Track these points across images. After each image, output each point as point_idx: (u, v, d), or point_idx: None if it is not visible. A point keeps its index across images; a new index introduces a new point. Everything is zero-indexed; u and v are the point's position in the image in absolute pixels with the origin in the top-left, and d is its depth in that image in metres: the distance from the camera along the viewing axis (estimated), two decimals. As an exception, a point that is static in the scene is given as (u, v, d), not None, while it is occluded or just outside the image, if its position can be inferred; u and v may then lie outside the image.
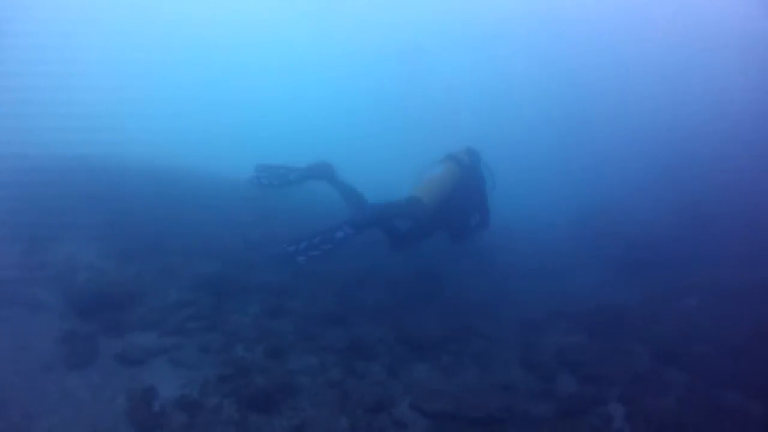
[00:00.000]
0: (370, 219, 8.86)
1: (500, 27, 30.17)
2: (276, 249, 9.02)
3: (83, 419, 5.74)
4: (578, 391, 7.44)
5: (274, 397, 6.39)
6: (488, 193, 10.23)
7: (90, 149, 14.41)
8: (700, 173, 14.91)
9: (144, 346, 7.03)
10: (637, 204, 14.69)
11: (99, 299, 7.65)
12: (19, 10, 26.70)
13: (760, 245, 11.47)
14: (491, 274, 11.79)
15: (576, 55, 25.78)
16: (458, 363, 7.87)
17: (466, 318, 9.24)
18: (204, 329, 7.63)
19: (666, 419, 6.77)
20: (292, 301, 8.80)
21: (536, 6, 29.13)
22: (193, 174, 15.40)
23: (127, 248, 9.22)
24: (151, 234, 9.95)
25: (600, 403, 7.12)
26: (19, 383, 6.05)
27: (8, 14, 25.66)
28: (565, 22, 28.16)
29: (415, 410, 6.69)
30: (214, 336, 7.50)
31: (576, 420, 6.82)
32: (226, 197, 13.37)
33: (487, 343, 8.56)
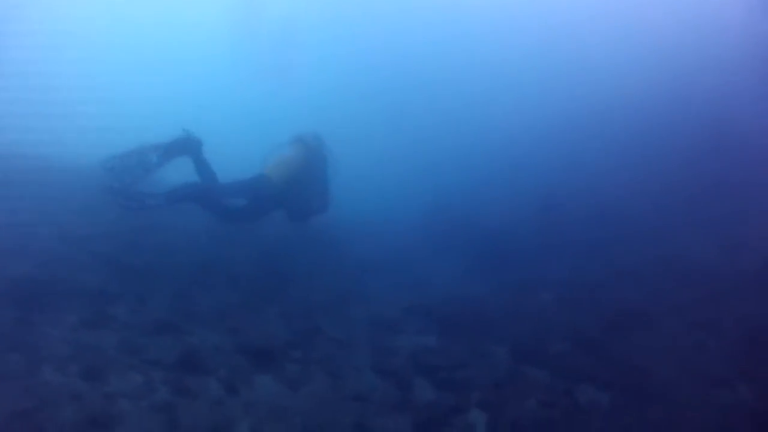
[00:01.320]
0: (186, 194, 8.75)
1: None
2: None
3: None
4: (436, 399, 6.76)
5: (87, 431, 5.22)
6: (330, 178, 10.27)
7: None
8: (554, 167, 14.88)
9: None
10: (491, 196, 14.40)
11: None
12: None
13: (612, 237, 11.51)
14: (339, 269, 10.95)
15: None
16: (305, 372, 6.96)
17: (313, 319, 8.41)
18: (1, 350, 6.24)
19: (528, 423, 6.31)
20: (115, 307, 7.56)
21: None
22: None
23: None
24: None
25: (460, 412, 6.52)
26: None
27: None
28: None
29: (257, 435, 5.76)
30: (14, 357, 6.11)
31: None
32: (49, 184, 11.53)
33: (335, 346, 7.72)
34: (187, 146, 9.05)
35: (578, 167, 14.51)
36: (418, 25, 25.23)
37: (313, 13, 28.27)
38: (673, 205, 12.44)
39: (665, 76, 16.36)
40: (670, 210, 12.22)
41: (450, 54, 23.26)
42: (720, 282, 9.32)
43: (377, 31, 26.05)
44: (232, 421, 5.85)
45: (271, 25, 29.89)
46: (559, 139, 16.03)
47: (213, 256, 9.82)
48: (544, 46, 20.66)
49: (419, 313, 9.11)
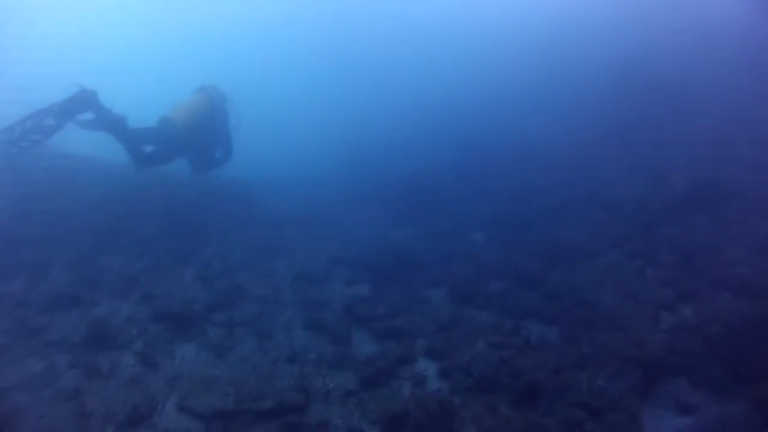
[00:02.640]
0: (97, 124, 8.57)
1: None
2: None
3: None
4: (379, 351, 6.08)
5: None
6: (232, 130, 10.15)
7: None
8: (475, 113, 14.26)
9: None
10: (412, 144, 13.70)
11: None
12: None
13: (537, 177, 11.09)
14: (259, 224, 10.04)
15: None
16: (231, 336, 6.14)
17: (232, 277, 7.53)
18: None
19: (481, 366, 5.75)
20: (6, 284, 6.43)
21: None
22: None
23: None
24: None
25: (407, 362, 5.89)
26: None
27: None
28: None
29: (186, 413, 4.95)
30: None
31: (385, 387, 5.50)
32: None
33: (261, 305, 6.90)
34: (85, 100, 8.45)
35: (500, 111, 13.95)
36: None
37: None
38: (595, 143, 12.16)
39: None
40: (593, 148, 11.91)
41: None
42: (649, 213, 9.06)
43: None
44: (154, 400, 5.06)
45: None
46: (481, 86, 15.39)
47: (118, 219, 8.72)
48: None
49: (346, 263, 8.42)
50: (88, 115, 8.61)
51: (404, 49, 19.06)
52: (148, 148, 9.06)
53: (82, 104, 8.53)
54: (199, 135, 9.40)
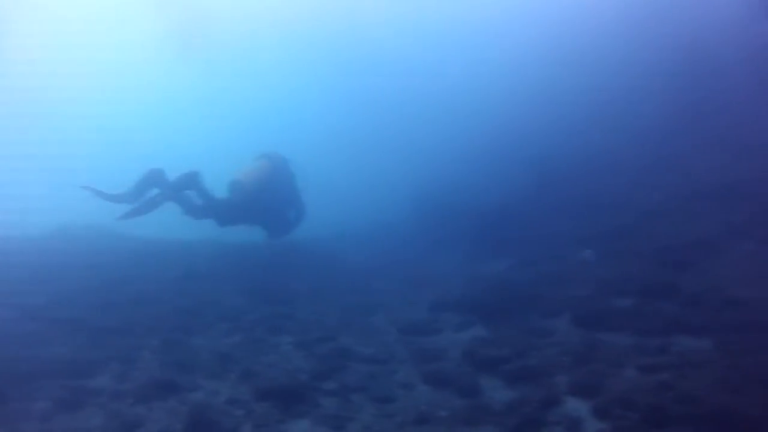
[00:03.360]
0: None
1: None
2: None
3: None
4: (517, 397, 5.19)
5: None
6: (301, 190, 10.58)
7: None
8: (540, 126, 13.44)
9: None
10: (482, 173, 12.94)
11: None
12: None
13: (618, 182, 10.19)
14: (346, 279, 9.41)
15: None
16: (346, 404, 5.33)
17: (334, 340, 6.81)
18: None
19: (641, 396, 4.78)
20: (96, 378, 5.83)
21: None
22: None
23: None
24: None
25: (553, 405, 4.96)
26: None
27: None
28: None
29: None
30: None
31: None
32: None
33: (372, 366, 6.11)
34: (191, 181, 9.50)
35: (566, 119, 13.06)
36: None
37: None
38: (673, 136, 11.16)
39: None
40: (672, 141, 10.91)
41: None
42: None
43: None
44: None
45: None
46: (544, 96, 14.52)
47: (200, 296, 8.21)
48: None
49: (448, 307, 7.64)
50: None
51: (461, 78, 18.42)
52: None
53: (187, 185, 9.42)
54: (268, 198, 9.84)
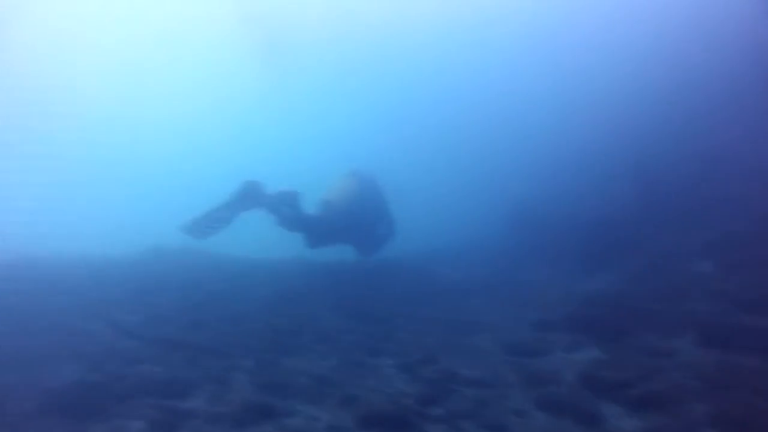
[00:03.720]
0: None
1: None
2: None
3: None
4: (645, 427, 4.64)
5: None
6: (389, 206, 10.54)
7: None
8: (644, 131, 12.63)
9: None
10: (580, 183, 12.28)
11: None
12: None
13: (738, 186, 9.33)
14: (443, 298, 8.99)
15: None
16: (455, 432, 4.92)
17: (437, 362, 6.38)
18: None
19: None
20: (190, 399, 5.63)
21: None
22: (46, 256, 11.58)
23: None
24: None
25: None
26: None
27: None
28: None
29: None
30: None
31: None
32: (92, 276, 9.86)
33: (480, 390, 5.65)
34: (290, 199, 9.75)
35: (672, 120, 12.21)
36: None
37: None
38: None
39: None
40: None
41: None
42: None
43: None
44: None
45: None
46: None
47: (293, 317, 7.98)
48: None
49: (555, 326, 7.09)
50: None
51: (558, 84, 17.74)
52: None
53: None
54: (357, 216, 9.92)
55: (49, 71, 28.88)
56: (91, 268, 10.40)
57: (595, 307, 7.25)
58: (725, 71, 11.70)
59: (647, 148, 11.42)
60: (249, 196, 9.64)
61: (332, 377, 6.10)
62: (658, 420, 4.67)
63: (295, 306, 8.61)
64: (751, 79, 10.83)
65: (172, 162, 31.86)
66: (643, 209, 10.12)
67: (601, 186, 11.64)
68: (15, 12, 24.84)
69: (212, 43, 30.40)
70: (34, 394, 5.50)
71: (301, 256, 11.95)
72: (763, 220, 8.19)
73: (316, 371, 6.25)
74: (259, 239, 12.85)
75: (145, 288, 9.13)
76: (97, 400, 5.44)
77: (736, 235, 8.13)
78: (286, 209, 9.87)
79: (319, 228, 10.01)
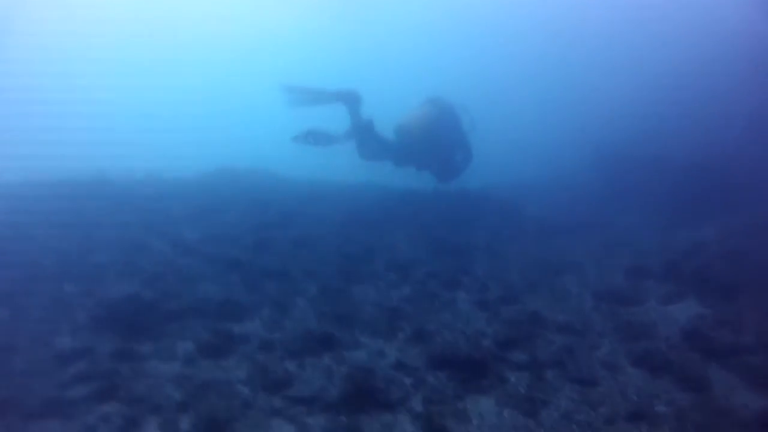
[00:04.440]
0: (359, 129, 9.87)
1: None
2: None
3: None
4: (759, 403, 3.92)
5: None
6: (467, 133, 10.34)
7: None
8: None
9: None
10: (684, 124, 11.06)
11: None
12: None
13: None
14: (529, 234, 8.32)
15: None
16: (539, 383, 4.31)
17: (520, 302, 5.77)
18: (98, 395, 4.04)
19: None
20: (248, 323, 5.28)
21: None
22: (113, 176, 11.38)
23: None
24: (51, 255, 6.48)
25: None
26: None
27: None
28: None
29: None
30: (111, 407, 3.92)
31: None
32: (156, 195, 9.61)
33: (567, 337, 5.03)
34: (366, 128, 9.82)
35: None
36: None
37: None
38: None
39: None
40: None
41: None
42: None
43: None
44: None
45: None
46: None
47: (367, 243, 7.47)
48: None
49: (652, 275, 6.31)
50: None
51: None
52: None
53: (362, 130, 9.77)
54: (434, 143, 9.85)
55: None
56: (158, 187, 10.12)
57: (698, 258, 6.40)
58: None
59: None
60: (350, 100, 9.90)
61: (403, 309, 5.59)
62: (780, 396, 3.96)
63: (369, 232, 8.08)
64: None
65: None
66: (759, 156, 8.96)
67: (706, 125, 10.42)
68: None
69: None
70: (88, 305, 5.27)
71: (377, 182, 11.51)
72: None
73: (386, 302, 5.76)
74: (335, 164, 12.43)
75: (212, 207, 8.76)
76: (149, 316, 5.15)
77: None
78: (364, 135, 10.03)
79: (396, 152, 10.05)
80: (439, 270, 6.55)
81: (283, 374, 4.33)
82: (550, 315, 5.34)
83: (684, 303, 5.60)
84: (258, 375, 4.32)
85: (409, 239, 7.81)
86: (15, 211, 7.98)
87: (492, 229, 8.42)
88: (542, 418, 3.88)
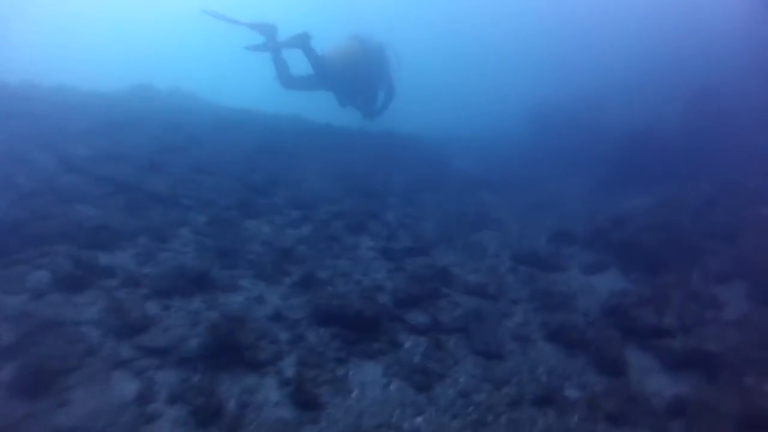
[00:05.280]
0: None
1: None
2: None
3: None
4: (688, 395, 3.38)
5: None
6: (393, 73, 10.12)
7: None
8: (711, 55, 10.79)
9: None
10: (628, 97, 10.55)
11: None
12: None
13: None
14: (451, 186, 7.64)
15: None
16: (437, 350, 3.64)
17: (429, 254, 5.11)
18: None
19: None
20: (118, 254, 4.40)
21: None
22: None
23: None
24: None
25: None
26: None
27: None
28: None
29: None
30: None
31: None
32: (66, 107, 8.37)
33: (476, 300, 4.35)
34: (300, 41, 9.41)
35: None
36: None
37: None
38: None
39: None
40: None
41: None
42: None
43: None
44: None
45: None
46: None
47: (274, 173, 6.65)
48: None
49: (577, 240, 5.77)
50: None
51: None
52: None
53: (295, 43, 9.34)
54: (355, 76, 9.62)
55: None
56: (68, 98, 8.87)
57: (627, 228, 5.86)
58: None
59: (712, 66, 9.64)
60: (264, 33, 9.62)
61: (296, 250, 4.81)
62: (702, 388, 3.43)
63: (278, 164, 7.22)
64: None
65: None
66: (702, 129, 8.52)
67: (650, 96, 9.95)
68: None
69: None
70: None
71: (298, 115, 10.73)
72: None
73: (279, 241, 4.96)
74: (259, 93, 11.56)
75: (117, 123, 7.69)
76: (7, 239, 4.19)
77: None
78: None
79: (318, 77, 9.75)
80: (346, 211, 5.78)
81: (141, 317, 3.52)
82: (460, 273, 4.69)
83: (607, 274, 5.07)
84: (112, 316, 3.49)
85: (321, 174, 7.00)
86: None
87: (412, 176, 7.70)
88: (435, 394, 3.24)
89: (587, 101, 11.40)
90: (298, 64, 9.70)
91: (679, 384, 3.48)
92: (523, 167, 9.29)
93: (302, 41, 9.39)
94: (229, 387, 3.11)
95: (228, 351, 3.28)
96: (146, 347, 3.31)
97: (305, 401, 3.03)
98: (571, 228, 5.99)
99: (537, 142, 10.60)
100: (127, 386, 3.03)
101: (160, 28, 31.86)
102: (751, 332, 3.93)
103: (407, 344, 3.64)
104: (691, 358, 3.68)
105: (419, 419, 3.07)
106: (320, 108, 10.58)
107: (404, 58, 10.00)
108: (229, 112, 10.42)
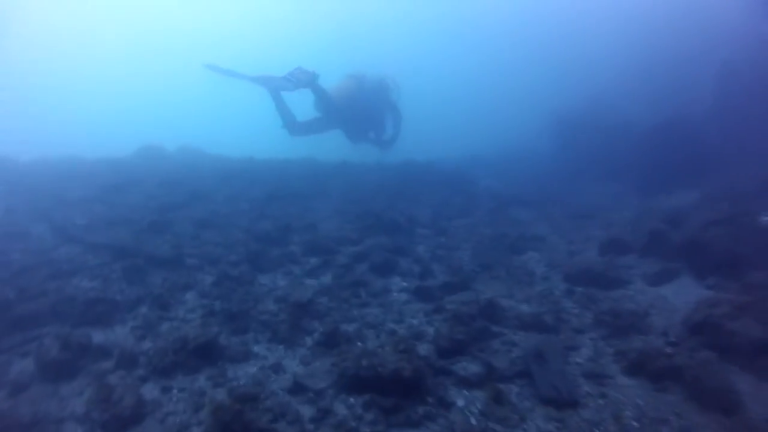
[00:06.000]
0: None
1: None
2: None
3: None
4: None
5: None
6: (395, 101, 10.03)
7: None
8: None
9: None
10: (643, 90, 9.83)
11: None
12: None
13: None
14: (483, 207, 6.97)
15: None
16: (497, 405, 2.91)
17: (472, 287, 4.37)
18: None
19: None
20: (112, 331, 3.80)
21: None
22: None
23: None
24: None
25: None
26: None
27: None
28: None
29: None
30: None
31: None
32: (61, 175, 8.04)
33: (533, 335, 3.64)
34: (309, 80, 9.18)
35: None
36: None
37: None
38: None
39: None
40: None
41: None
42: None
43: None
44: None
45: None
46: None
47: (285, 216, 6.04)
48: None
49: (631, 249, 5.03)
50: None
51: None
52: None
53: (304, 82, 9.07)
54: (356, 111, 9.58)
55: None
56: (73, 167, 8.53)
57: (686, 227, 5.09)
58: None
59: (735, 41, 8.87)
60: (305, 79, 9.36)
61: (318, 304, 4.13)
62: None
63: (290, 208, 6.63)
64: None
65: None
66: (730, 111, 7.75)
67: (678, 88, 9.22)
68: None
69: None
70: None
71: (312, 157, 10.33)
72: None
73: (295, 295, 4.26)
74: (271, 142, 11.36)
75: (115, 186, 7.24)
76: None
77: None
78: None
79: (322, 124, 9.73)
80: (370, 250, 5.11)
81: (135, 405, 2.86)
82: (510, 305, 3.97)
83: (678, 282, 4.33)
84: (100, 408, 2.84)
85: (337, 215, 6.38)
86: None
87: (438, 203, 7.04)
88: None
89: (606, 102, 10.72)
90: (302, 108, 9.55)
91: None
92: (553, 181, 8.62)
93: (310, 80, 9.16)
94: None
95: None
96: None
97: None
98: (620, 234, 5.26)
99: (561, 150, 9.92)
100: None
101: (168, 86, 32.58)
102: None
103: (460, 402, 2.92)
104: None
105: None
106: (334, 147, 10.31)
107: (417, 87, 9.67)
108: (235, 163, 10.02)
